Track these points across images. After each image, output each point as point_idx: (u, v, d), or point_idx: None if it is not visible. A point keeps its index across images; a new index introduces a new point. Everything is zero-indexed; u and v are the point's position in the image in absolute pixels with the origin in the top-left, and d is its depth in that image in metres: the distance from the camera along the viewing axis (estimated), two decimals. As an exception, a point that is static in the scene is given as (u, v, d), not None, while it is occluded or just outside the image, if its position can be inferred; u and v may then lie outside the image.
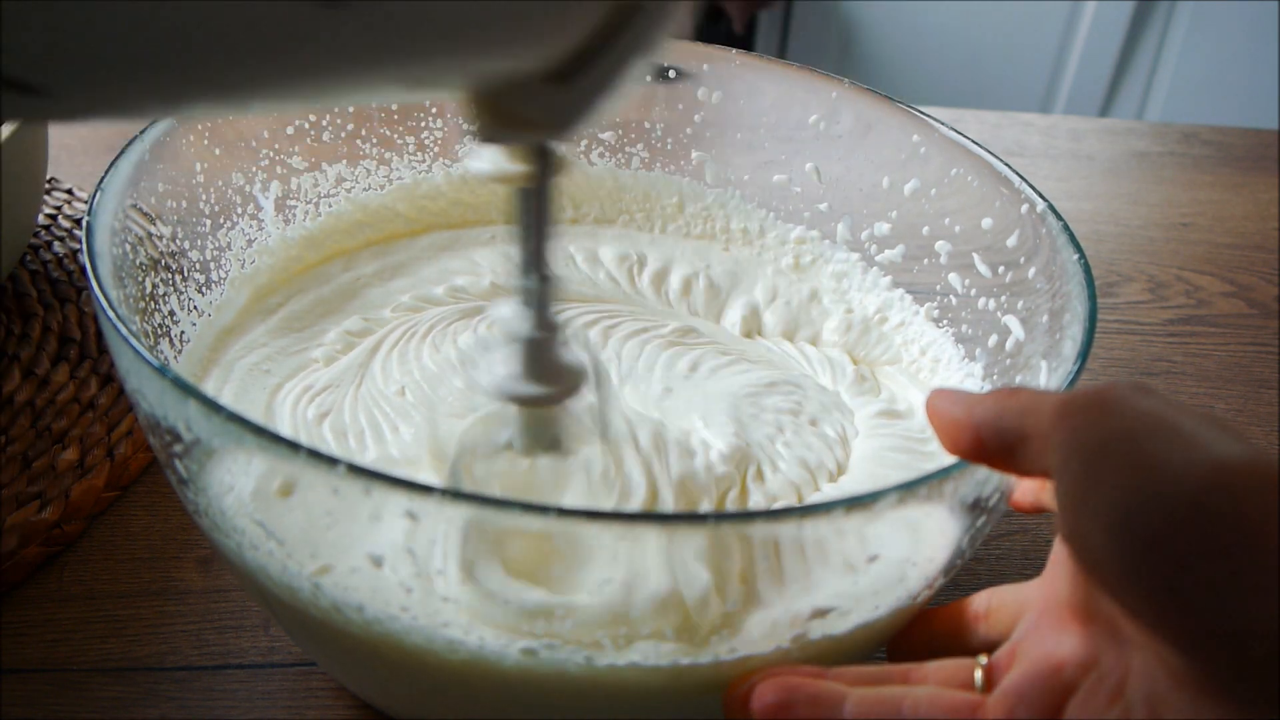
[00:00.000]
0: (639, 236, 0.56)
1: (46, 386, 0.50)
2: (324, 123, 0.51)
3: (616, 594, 0.31)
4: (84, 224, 0.35)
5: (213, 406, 0.28)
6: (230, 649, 0.42)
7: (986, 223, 0.47)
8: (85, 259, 0.34)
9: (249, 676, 0.41)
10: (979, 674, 0.31)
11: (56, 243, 0.60)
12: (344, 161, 0.52)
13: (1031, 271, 0.44)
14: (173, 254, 0.43)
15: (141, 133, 0.40)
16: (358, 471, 0.27)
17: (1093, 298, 0.38)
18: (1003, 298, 0.46)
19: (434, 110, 0.54)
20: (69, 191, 0.66)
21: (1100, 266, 0.73)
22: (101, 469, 0.47)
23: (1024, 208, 0.44)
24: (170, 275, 0.42)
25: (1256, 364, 0.65)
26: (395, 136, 0.54)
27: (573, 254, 0.53)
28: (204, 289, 0.45)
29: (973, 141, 0.47)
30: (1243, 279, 0.74)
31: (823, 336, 0.51)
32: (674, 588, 0.32)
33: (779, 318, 0.51)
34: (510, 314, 0.29)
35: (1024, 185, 0.44)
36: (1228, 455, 0.24)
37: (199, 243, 0.45)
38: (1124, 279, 0.73)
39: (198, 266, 0.45)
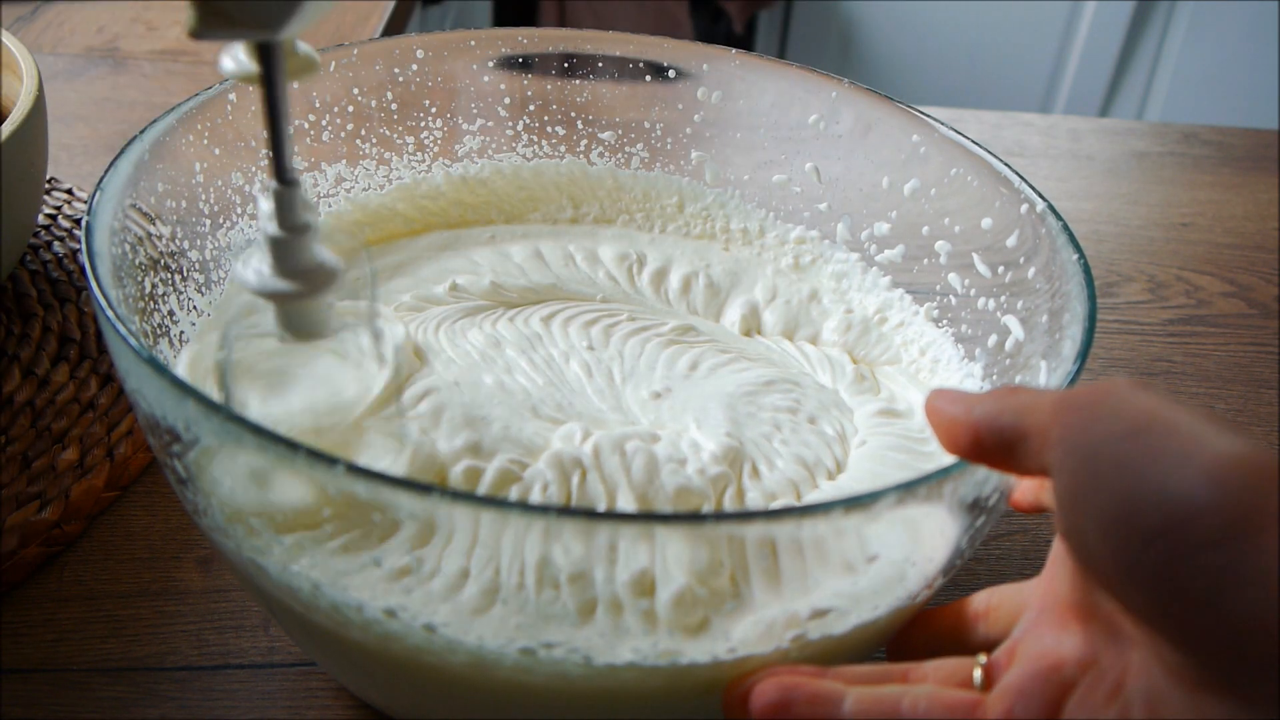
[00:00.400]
0: (639, 236, 0.57)
1: (46, 386, 0.50)
2: (323, 123, 0.51)
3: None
4: (84, 224, 0.35)
5: (212, 406, 0.28)
6: (230, 649, 0.42)
7: (986, 223, 0.47)
8: (85, 259, 0.34)
9: (249, 676, 0.41)
10: (978, 673, 0.31)
11: (56, 243, 0.60)
12: (343, 161, 0.52)
13: (1031, 271, 0.44)
14: (172, 254, 0.43)
15: (141, 133, 0.40)
16: (357, 471, 0.27)
17: (1092, 298, 0.38)
18: (1002, 298, 0.46)
19: (434, 110, 0.54)
20: (69, 191, 0.66)
21: (1100, 266, 0.73)
22: (101, 469, 0.47)
23: (1024, 208, 0.44)
24: (170, 275, 0.42)
25: (1256, 364, 0.65)
26: (394, 136, 0.54)
27: (572, 253, 0.53)
28: (203, 289, 0.45)
29: (972, 141, 0.47)
30: (1243, 279, 0.74)
31: (822, 336, 0.51)
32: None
33: (778, 317, 0.51)
34: (264, 215, 0.31)
35: (1024, 185, 0.44)
36: (1225, 450, 0.24)
37: (198, 242, 0.45)
38: (1124, 279, 0.73)
39: (197, 266, 0.45)
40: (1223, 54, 1.85)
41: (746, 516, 0.30)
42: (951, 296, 0.49)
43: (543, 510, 0.28)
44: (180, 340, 0.43)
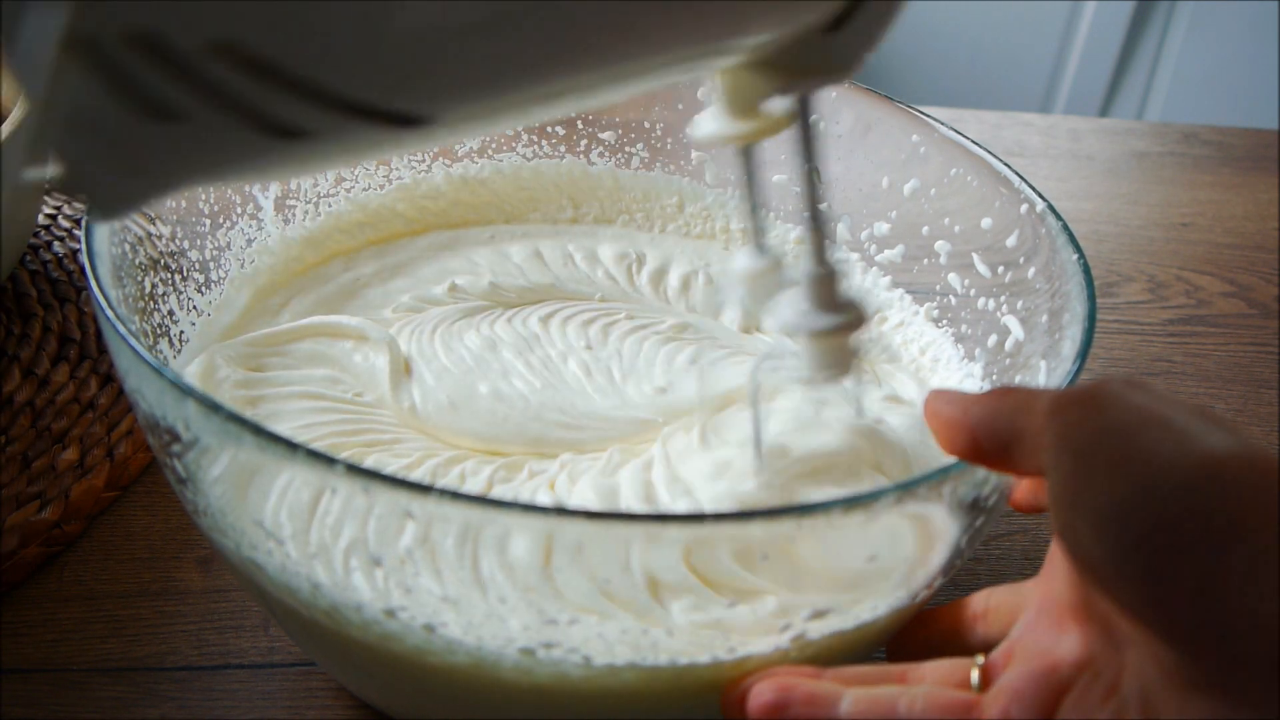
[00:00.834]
0: (638, 236, 0.57)
1: (46, 386, 0.50)
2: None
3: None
4: (83, 223, 0.35)
5: (212, 406, 0.28)
6: (230, 649, 0.42)
7: (986, 223, 0.47)
8: (85, 259, 0.34)
9: (249, 676, 0.41)
10: (975, 673, 0.31)
11: (56, 243, 0.60)
12: (344, 161, 0.52)
13: (1031, 271, 0.44)
14: (172, 254, 0.43)
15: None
16: (355, 471, 0.27)
17: (1092, 298, 0.38)
18: (1002, 298, 0.46)
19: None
20: (69, 191, 0.66)
21: (1100, 266, 0.73)
22: (101, 469, 0.47)
23: (1024, 208, 0.44)
24: (170, 275, 0.42)
25: (1256, 364, 0.65)
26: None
27: (571, 252, 0.54)
28: (204, 289, 0.45)
29: (972, 141, 0.47)
30: (1243, 279, 0.74)
31: (823, 336, 0.51)
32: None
33: (779, 316, 0.51)
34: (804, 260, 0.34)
35: (1024, 185, 0.44)
36: (1218, 448, 0.24)
37: (199, 242, 0.45)
38: (1124, 279, 0.73)
39: (197, 266, 0.45)
40: (1223, 54, 1.84)
41: (746, 516, 0.30)
42: (951, 296, 0.49)
43: (542, 510, 0.28)
44: (180, 340, 0.43)
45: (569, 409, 0.42)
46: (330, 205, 0.52)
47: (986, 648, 0.32)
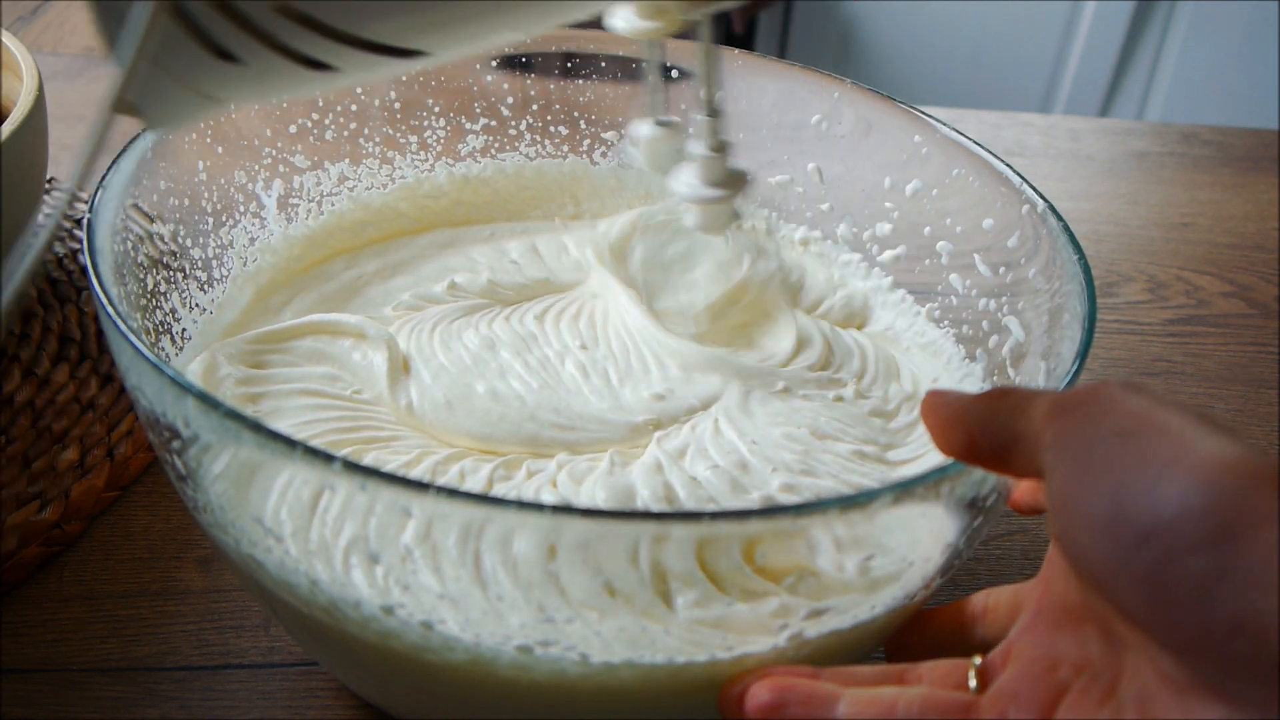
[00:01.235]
0: (639, 236, 0.57)
1: (46, 386, 0.50)
2: (327, 121, 0.51)
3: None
4: (84, 221, 0.35)
5: (210, 403, 0.28)
6: (230, 649, 0.42)
7: (987, 223, 0.47)
8: (86, 256, 0.34)
9: (249, 676, 0.41)
10: (973, 674, 0.31)
11: (56, 243, 0.60)
12: (346, 160, 0.53)
13: (1032, 272, 0.44)
14: (174, 252, 0.43)
15: (142, 132, 0.40)
16: (353, 468, 0.27)
17: (1092, 298, 0.38)
18: (1003, 298, 0.46)
19: (437, 109, 0.54)
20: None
21: (1100, 266, 0.73)
22: (101, 469, 0.47)
23: (1024, 208, 0.44)
24: (172, 273, 0.43)
25: (1256, 364, 0.65)
26: (398, 135, 0.54)
27: (567, 244, 0.54)
28: (206, 287, 0.45)
29: (973, 142, 0.47)
30: (1243, 279, 0.74)
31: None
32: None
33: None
34: (693, 141, 0.39)
35: (1024, 185, 0.44)
36: (1215, 452, 0.24)
37: (201, 240, 0.45)
38: (1124, 279, 0.73)
39: (199, 264, 0.45)
40: (1223, 54, 1.84)
41: (745, 515, 0.30)
42: (952, 297, 0.49)
43: (541, 509, 0.28)
44: (183, 337, 0.43)
45: (564, 410, 0.42)
46: (333, 204, 0.52)
47: (985, 648, 0.32)
